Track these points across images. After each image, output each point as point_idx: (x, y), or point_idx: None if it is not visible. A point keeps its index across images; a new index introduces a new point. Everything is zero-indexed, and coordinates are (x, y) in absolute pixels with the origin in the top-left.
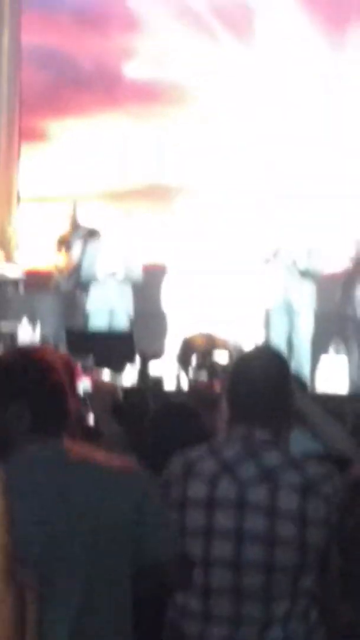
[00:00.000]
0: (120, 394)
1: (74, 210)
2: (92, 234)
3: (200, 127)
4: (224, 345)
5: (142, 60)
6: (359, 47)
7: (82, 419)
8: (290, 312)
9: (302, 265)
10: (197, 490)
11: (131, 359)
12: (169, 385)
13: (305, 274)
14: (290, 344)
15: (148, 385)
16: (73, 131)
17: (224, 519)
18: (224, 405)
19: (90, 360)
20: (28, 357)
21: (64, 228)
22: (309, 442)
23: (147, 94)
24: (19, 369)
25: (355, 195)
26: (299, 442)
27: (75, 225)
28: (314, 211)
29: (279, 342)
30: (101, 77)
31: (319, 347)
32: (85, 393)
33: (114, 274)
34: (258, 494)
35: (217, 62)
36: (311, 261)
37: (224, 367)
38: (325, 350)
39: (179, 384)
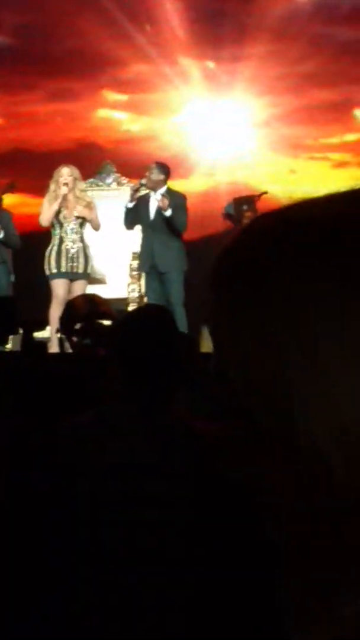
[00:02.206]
0: None
1: None
2: None
3: None
4: (108, 308)
5: None
6: None
7: None
8: (159, 274)
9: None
10: (86, 455)
11: (12, 329)
12: (53, 350)
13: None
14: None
15: (32, 352)
16: None
17: (115, 484)
18: (112, 368)
19: None
20: None
21: None
22: (201, 401)
23: None
24: None
25: None
26: (191, 400)
27: None
28: None
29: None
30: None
31: (201, 313)
32: None
33: None
34: (148, 456)
35: None
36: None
37: (108, 330)
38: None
39: (63, 348)
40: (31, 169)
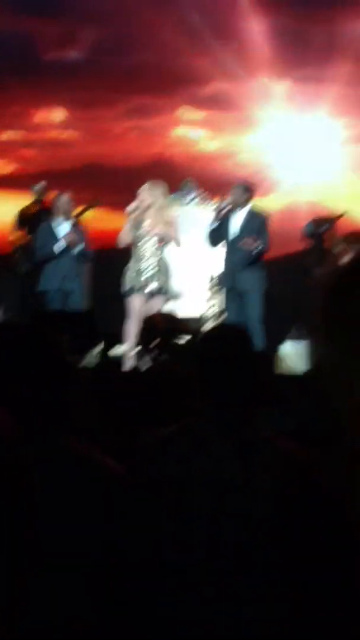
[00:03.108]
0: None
1: (39, 190)
2: (49, 212)
3: None
4: (186, 325)
5: None
6: None
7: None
8: (239, 293)
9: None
10: (171, 469)
11: (91, 342)
12: (129, 365)
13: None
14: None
15: (109, 365)
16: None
17: (199, 498)
18: (193, 385)
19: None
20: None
21: (25, 207)
22: (280, 419)
23: None
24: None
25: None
26: (271, 419)
27: (37, 205)
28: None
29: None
30: None
31: (279, 332)
32: None
33: (68, 252)
34: (233, 472)
35: None
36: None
37: (186, 347)
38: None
39: (140, 363)
40: (107, 184)
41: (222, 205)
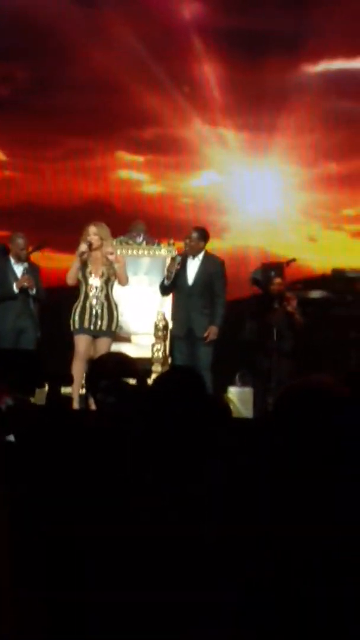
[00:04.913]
0: None
1: None
2: (3, 251)
3: None
4: (135, 366)
5: None
6: None
7: None
8: (191, 337)
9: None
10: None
11: (38, 382)
12: (76, 406)
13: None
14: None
15: (56, 406)
16: None
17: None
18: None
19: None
20: None
21: None
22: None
23: None
24: None
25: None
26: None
27: None
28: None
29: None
30: None
31: (225, 376)
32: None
33: (21, 293)
34: (179, 526)
35: None
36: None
37: (134, 389)
38: (232, 381)
39: (86, 405)
40: (46, 223)
41: (176, 263)
